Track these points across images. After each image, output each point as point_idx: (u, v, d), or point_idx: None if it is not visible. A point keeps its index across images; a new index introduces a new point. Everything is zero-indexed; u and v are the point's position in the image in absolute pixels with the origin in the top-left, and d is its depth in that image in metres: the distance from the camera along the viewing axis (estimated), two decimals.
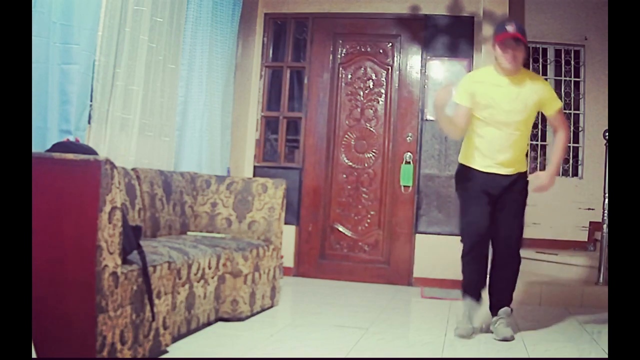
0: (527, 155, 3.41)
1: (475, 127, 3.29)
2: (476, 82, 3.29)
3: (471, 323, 3.29)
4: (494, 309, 3.35)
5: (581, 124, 5.35)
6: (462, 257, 3.34)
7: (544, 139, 5.37)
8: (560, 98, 5.36)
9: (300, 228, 5.19)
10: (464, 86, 3.30)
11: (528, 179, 3.34)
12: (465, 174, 3.35)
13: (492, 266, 3.39)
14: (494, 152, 3.25)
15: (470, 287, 3.35)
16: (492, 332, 3.29)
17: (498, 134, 3.23)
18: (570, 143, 5.38)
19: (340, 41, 5.26)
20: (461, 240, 3.33)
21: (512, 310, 3.35)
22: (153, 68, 3.70)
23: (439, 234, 4.89)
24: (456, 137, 3.46)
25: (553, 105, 3.28)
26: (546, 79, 5.39)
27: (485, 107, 3.22)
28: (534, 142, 5.38)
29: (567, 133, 3.35)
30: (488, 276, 3.40)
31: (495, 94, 3.21)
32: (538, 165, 5.36)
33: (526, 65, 5.35)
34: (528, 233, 5.23)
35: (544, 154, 5.37)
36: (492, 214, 3.27)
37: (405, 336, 3.28)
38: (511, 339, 3.18)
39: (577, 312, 3.99)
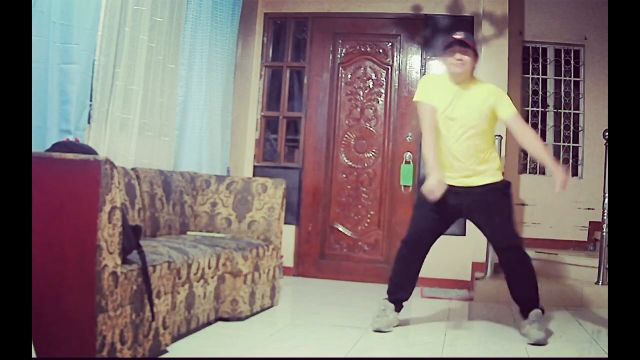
0: (499, 167, 3.35)
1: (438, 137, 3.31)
2: (433, 85, 3.33)
3: (386, 316, 3.31)
4: (523, 314, 3.29)
5: (581, 124, 5.34)
6: (399, 251, 3.43)
7: (544, 138, 5.35)
8: (560, 98, 5.39)
9: (300, 228, 5.19)
10: (424, 85, 3.35)
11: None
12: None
13: (505, 275, 3.36)
14: (453, 162, 3.25)
15: (392, 290, 3.41)
16: (524, 335, 3.22)
17: (455, 142, 3.23)
18: (570, 143, 5.38)
19: (340, 41, 5.26)
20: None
21: (543, 311, 3.27)
22: (153, 68, 3.70)
23: None
24: (431, 138, 3.32)
25: (507, 110, 3.23)
26: (546, 79, 5.40)
27: (440, 111, 3.24)
28: None
29: (533, 131, 3.29)
30: (507, 285, 3.37)
31: (448, 100, 3.24)
32: (538, 166, 5.36)
33: (526, 65, 5.39)
34: (528, 233, 5.26)
35: None
36: (442, 225, 3.36)
37: (405, 336, 3.28)
38: (544, 342, 3.10)
39: (577, 312, 3.99)
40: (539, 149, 3.28)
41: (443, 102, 3.26)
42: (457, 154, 3.25)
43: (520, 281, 3.31)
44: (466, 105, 3.23)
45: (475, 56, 3.26)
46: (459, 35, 3.23)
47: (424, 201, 3.30)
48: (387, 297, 3.42)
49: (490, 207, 3.26)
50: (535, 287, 3.30)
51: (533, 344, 3.09)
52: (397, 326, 3.37)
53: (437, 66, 5.06)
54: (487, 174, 3.28)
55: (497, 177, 3.30)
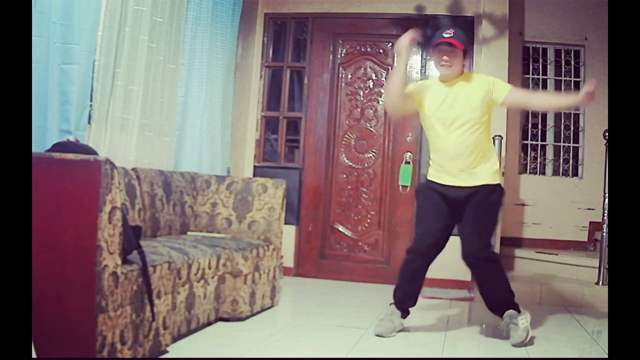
0: (498, 170, 3.28)
1: (430, 138, 3.30)
2: (424, 86, 3.33)
3: (391, 321, 3.24)
4: (498, 315, 3.25)
5: (581, 124, 5.34)
6: (405, 259, 3.31)
7: (543, 138, 5.37)
8: None
9: (300, 228, 5.19)
10: (415, 84, 3.39)
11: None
12: (424, 185, 3.34)
13: (473, 277, 3.30)
14: (449, 161, 3.20)
15: (399, 297, 3.31)
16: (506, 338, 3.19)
17: (449, 140, 3.18)
18: (570, 143, 5.38)
19: (340, 41, 5.26)
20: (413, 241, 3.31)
21: (518, 311, 3.18)
22: (153, 68, 3.70)
23: None
24: (394, 108, 3.41)
25: (502, 89, 3.19)
26: (546, 79, 5.40)
27: (432, 113, 3.21)
28: (534, 142, 5.38)
29: (538, 91, 3.22)
30: (476, 288, 3.32)
31: (439, 99, 3.21)
32: (538, 166, 5.37)
33: (526, 65, 5.39)
34: (528, 233, 5.26)
35: (544, 154, 5.37)
36: (449, 226, 3.24)
37: (405, 336, 3.27)
38: (521, 344, 3.04)
39: (577, 312, 3.99)
40: (554, 100, 3.21)
41: (434, 102, 3.23)
42: (453, 152, 3.17)
43: (491, 283, 3.21)
44: (457, 101, 3.18)
45: (464, 54, 3.22)
46: (447, 35, 3.17)
47: (431, 203, 3.24)
48: (393, 302, 3.32)
49: (477, 208, 3.16)
50: (508, 290, 3.22)
51: (515, 346, 3.05)
52: (400, 330, 3.32)
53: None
54: (484, 174, 3.19)
55: (493, 180, 3.20)
